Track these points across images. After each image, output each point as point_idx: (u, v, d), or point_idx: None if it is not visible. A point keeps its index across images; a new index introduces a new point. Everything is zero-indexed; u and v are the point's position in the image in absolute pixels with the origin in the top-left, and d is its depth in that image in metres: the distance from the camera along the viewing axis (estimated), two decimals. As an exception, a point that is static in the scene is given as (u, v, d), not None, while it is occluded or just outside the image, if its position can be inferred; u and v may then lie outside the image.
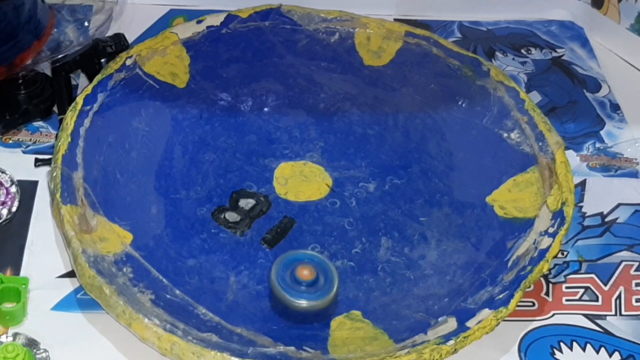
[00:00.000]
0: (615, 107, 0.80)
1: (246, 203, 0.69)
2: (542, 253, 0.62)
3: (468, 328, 0.57)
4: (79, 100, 0.68)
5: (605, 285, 0.65)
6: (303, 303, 0.60)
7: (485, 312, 0.58)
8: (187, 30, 0.75)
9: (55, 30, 0.80)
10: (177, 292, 0.60)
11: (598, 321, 0.63)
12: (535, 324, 0.62)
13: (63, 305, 0.61)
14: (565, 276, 0.66)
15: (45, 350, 0.57)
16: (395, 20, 0.86)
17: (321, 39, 0.77)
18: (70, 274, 0.62)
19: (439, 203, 0.69)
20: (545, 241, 0.62)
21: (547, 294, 0.64)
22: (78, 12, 0.84)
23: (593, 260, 0.67)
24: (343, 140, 0.74)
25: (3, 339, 0.58)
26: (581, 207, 0.71)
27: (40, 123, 0.74)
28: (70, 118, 0.67)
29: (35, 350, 0.57)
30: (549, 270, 0.65)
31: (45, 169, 0.69)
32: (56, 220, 0.63)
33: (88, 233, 0.61)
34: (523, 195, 0.67)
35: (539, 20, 0.91)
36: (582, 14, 0.90)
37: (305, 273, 0.61)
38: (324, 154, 0.73)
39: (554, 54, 0.86)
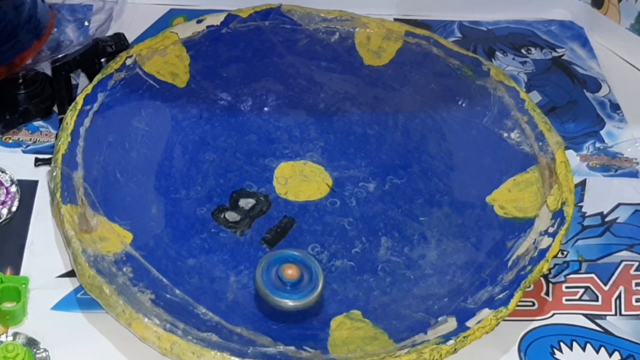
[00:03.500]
0: (615, 107, 0.80)
1: (246, 203, 0.69)
2: (542, 253, 0.62)
3: (468, 328, 0.57)
4: (79, 99, 0.68)
5: (605, 285, 0.65)
6: (288, 302, 0.60)
7: (485, 312, 0.58)
8: (187, 29, 0.75)
9: (55, 29, 0.80)
10: (177, 291, 0.60)
11: (598, 321, 0.63)
12: (535, 323, 0.62)
13: (63, 304, 0.61)
14: (565, 276, 0.66)
15: (45, 350, 0.57)
16: (395, 20, 0.86)
17: (321, 39, 0.77)
18: (70, 274, 0.62)
19: (439, 203, 0.69)
20: (545, 241, 0.62)
21: (547, 293, 0.64)
22: (78, 12, 0.84)
23: (593, 260, 0.67)
24: (343, 140, 0.74)
25: (3, 338, 0.58)
26: (581, 207, 0.71)
27: (40, 123, 0.74)
28: (70, 118, 0.67)
29: (35, 350, 0.57)
30: (549, 270, 0.65)
31: (45, 169, 0.69)
32: (56, 220, 0.63)
33: (88, 233, 0.61)
34: (523, 195, 0.67)
35: (539, 20, 0.91)
36: (582, 14, 0.90)
37: (289, 272, 0.61)
38: (324, 154, 0.73)
39: (554, 54, 0.86)
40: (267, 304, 0.61)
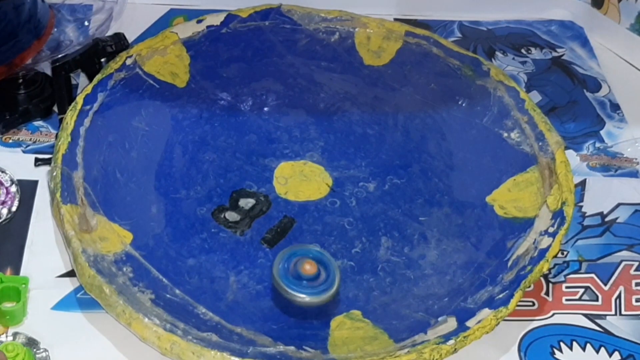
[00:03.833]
0: (615, 107, 0.80)
1: (246, 203, 0.69)
2: (542, 253, 0.62)
3: (468, 328, 0.57)
4: (79, 99, 0.68)
5: (605, 285, 0.65)
6: (304, 297, 0.60)
7: (485, 312, 0.58)
8: (187, 29, 0.75)
9: (55, 29, 0.80)
10: (177, 291, 0.60)
11: (598, 321, 0.63)
12: (535, 323, 0.62)
13: (63, 304, 0.61)
14: (565, 276, 0.66)
15: (45, 350, 0.57)
16: (395, 20, 0.86)
17: (321, 39, 0.77)
18: (70, 274, 0.62)
19: (439, 203, 0.69)
20: (545, 241, 0.62)
21: (547, 293, 0.64)
22: (78, 12, 0.84)
23: (593, 260, 0.67)
24: (343, 140, 0.74)
25: (3, 338, 0.58)
26: (581, 206, 0.71)
27: (40, 122, 0.74)
28: (70, 117, 0.67)
29: (35, 350, 0.57)
30: (549, 270, 0.65)
31: (45, 169, 0.69)
32: (56, 220, 0.63)
33: (88, 232, 0.61)
34: (523, 195, 0.67)
35: (539, 20, 0.91)
36: (582, 14, 0.90)
37: (307, 268, 0.61)
38: (324, 154, 0.73)
39: (554, 54, 0.86)
40: (268, 304, 0.61)
